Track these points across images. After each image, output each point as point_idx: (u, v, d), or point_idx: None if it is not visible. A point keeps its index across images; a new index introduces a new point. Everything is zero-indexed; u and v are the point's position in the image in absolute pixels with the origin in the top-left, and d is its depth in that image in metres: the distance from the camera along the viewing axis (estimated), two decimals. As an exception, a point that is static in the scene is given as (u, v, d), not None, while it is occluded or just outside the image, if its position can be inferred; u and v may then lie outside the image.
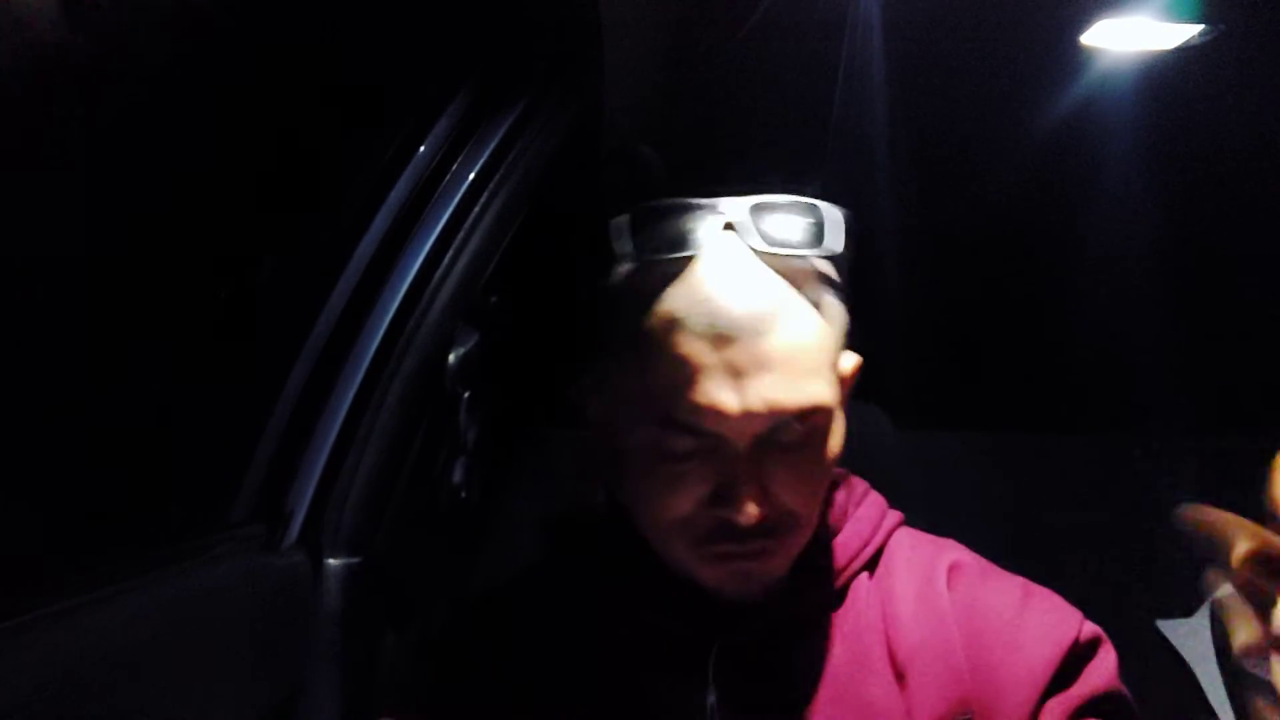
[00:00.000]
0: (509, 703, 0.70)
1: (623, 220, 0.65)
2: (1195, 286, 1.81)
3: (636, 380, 0.64)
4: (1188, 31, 1.26)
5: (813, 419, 0.64)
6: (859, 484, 0.79)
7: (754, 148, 1.59)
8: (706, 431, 0.62)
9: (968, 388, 1.89)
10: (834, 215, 0.66)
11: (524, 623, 0.75)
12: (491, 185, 0.99)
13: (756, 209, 0.64)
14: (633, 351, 0.64)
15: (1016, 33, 1.31)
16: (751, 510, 0.62)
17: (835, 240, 0.66)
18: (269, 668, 0.81)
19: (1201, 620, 1.70)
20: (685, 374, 0.62)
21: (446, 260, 0.96)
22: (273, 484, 0.90)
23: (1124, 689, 0.71)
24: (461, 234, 0.97)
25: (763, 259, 0.64)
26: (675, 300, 0.63)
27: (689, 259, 0.63)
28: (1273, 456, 0.44)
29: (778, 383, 0.62)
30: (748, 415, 0.61)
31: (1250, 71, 1.37)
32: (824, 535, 0.74)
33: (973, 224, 1.82)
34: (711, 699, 0.68)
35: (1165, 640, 1.70)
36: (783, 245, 0.64)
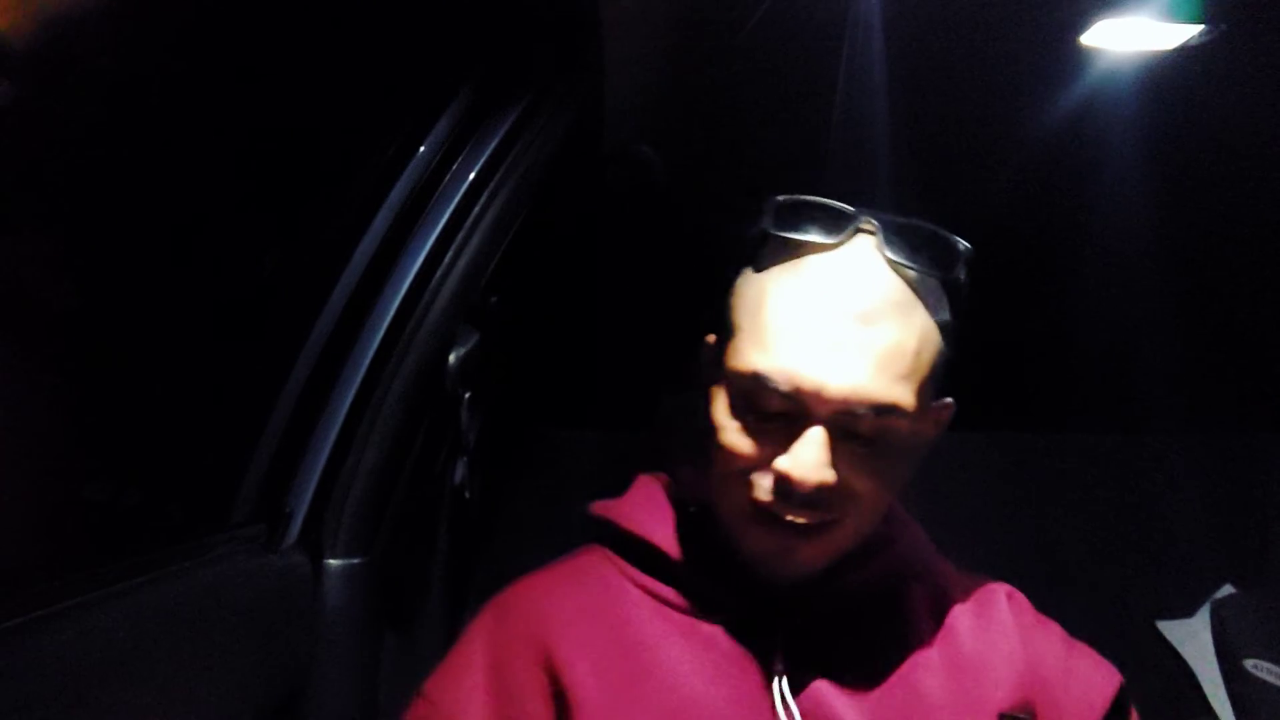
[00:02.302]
0: (585, 676, 0.72)
1: (775, 202, 0.73)
2: (1195, 286, 1.81)
3: (752, 338, 0.71)
4: (1188, 31, 1.26)
5: (890, 419, 0.69)
6: (907, 514, 0.85)
7: (754, 147, 1.59)
8: (791, 394, 0.68)
9: (968, 388, 1.89)
10: (959, 247, 0.74)
11: (584, 598, 0.77)
12: (491, 185, 0.99)
13: (893, 222, 0.72)
14: (752, 312, 0.71)
15: (1016, 32, 1.31)
16: (812, 472, 0.67)
17: (957, 267, 0.73)
18: (269, 667, 0.81)
19: (1201, 620, 1.69)
20: (789, 338, 0.69)
21: (446, 260, 0.96)
22: (273, 484, 0.90)
23: None
24: (461, 234, 0.97)
25: (891, 267, 0.71)
26: (805, 275, 0.70)
27: (827, 246, 0.71)
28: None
29: (866, 372, 0.67)
30: (828, 389, 0.67)
31: (1250, 71, 1.37)
32: (882, 539, 0.79)
33: (972, 224, 1.81)
34: (781, 679, 0.72)
35: (1165, 640, 1.69)
36: (911, 260, 0.71)
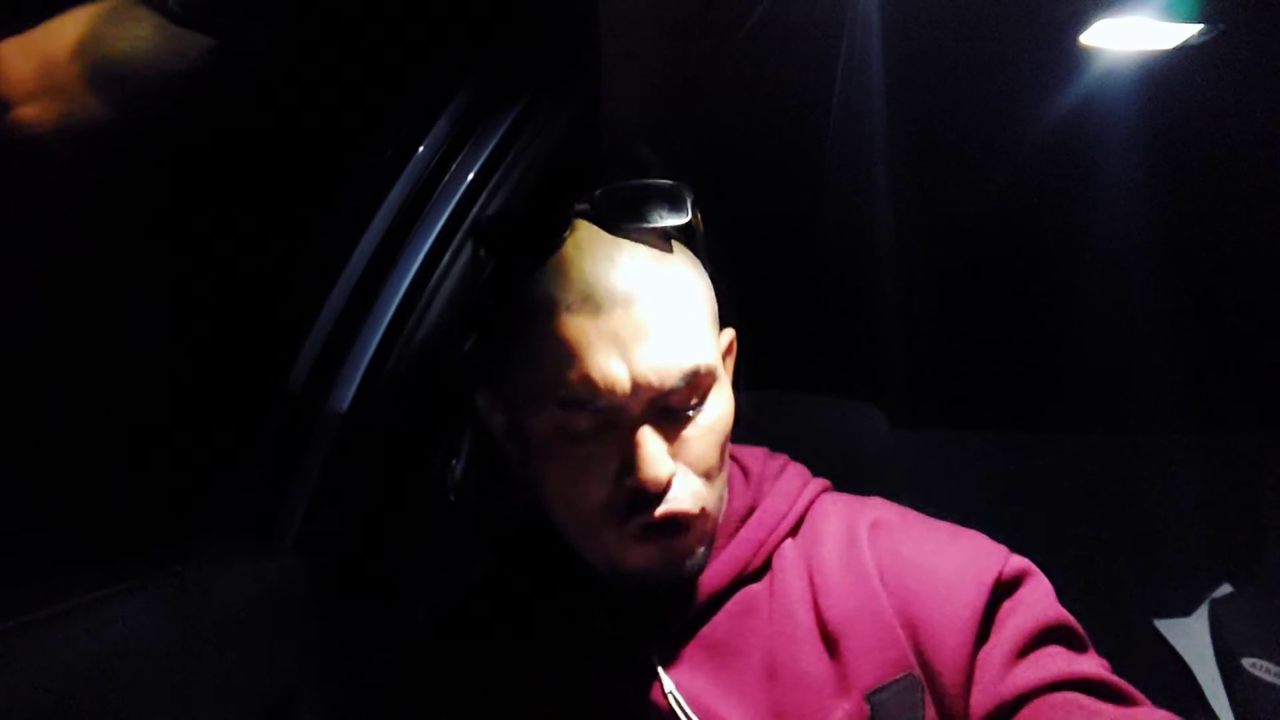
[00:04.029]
0: (476, 713, 0.71)
1: (483, 227, 0.71)
2: (1194, 285, 1.81)
3: (529, 372, 0.67)
4: (1188, 31, 1.26)
5: (699, 382, 0.67)
6: (779, 457, 0.81)
7: (754, 147, 1.59)
8: (601, 405, 0.65)
9: (965, 387, 1.89)
10: (676, 191, 0.70)
11: (476, 635, 0.76)
12: (491, 185, 0.99)
13: (604, 194, 0.69)
14: (520, 345, 0.68)
15: (1016, 32, 1.31)
16: (657, 471, 0.64)
17: (683, 214, 0.69)
18: (266, 668, 0.81)
19: (1201, 620, 1.70)
20: (571, 353, 0.65)
21: (446, 260, 0.96)
22: (271, 485, 0.90)
23: (1066, 616, 0.69)
24: (461, 234, 0.97)
25: (621, 235, 0.68)
26: (549, 286, 0.67)
27: (553, 248, 0.68)
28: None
29: (659, 347, 0.65)
30: (636, 382, 0.64)
31: (1250, 71, 1.37)
32: (740, 509, 0.75)
33: (972, 223, 1.82)
34: (670, 687, 0.69)
35: (1164, 640, 1.70)
36: (635, 221, 0.68)
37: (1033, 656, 0.67)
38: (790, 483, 0.78)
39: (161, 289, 0.82)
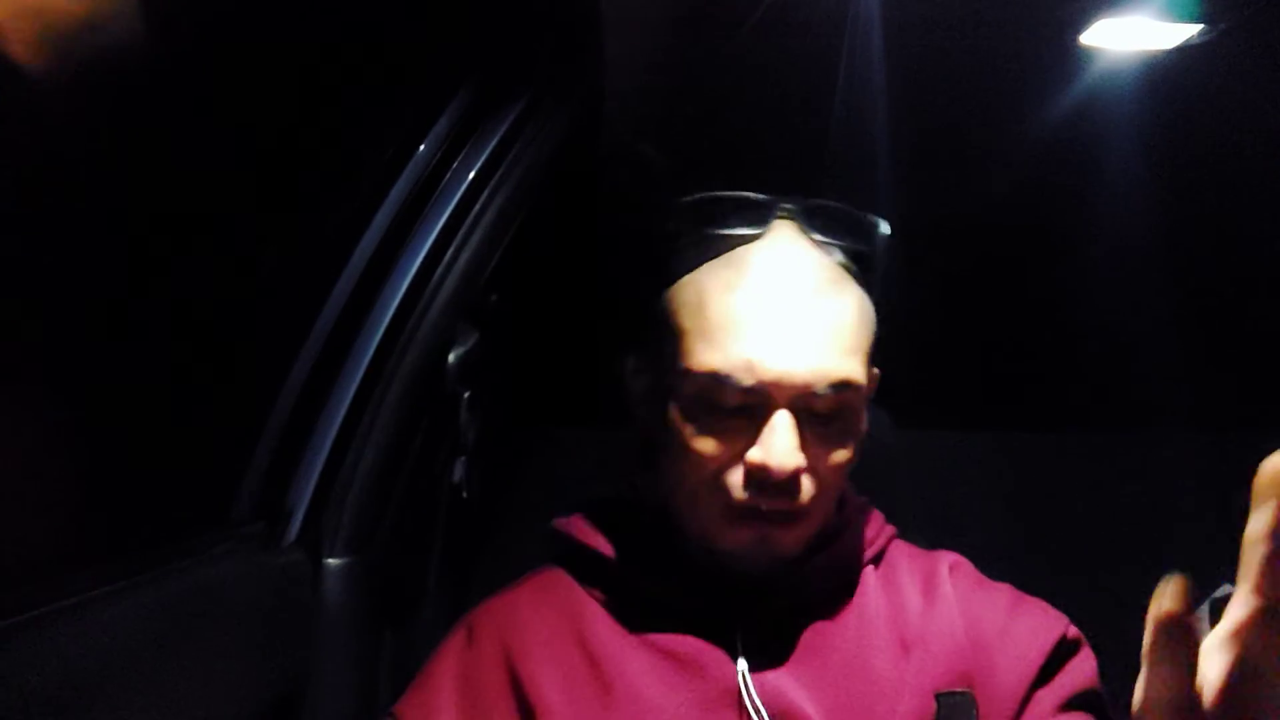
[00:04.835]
0: (552, 687, 0.73)
1: (692, 200, 0.74)
2: (1195, 285, 1.81)
3: (697, 338, 0.71)
4: (1188, 31, 1.26)
5: (845, 395, 0.70)
6: (861, 497, 0.85)
7: (753, 147, 1.59)
8: (751, 386, 0.68)
9: (969, 386, 1.89)
10: (876, 222, 0.75)
11: (551, 611, 0.78)
12: (491, 185, 0.99)
13: (812, 205, 0.73)
14: (693, 313, 0.71)
15: (1016, 32, 1.31)
16: (785, 460, 0.68)
17: (875, 242, 0.74)
18: (268, 667, 0.81)
19: (1201, 621, 1.69)
20: (739, 332, 0.69)
21: (446, 260, 0.96)
22: (273, 483, 0.90)
23: (1102, 691, 0.75)
24: (461, 234, 0.97)
25: (816, 247, 0.72)
26: (739, 267, 0.71)
27: (753, 236, 0.72)
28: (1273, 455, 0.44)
29: (821, 350, 0.69)
30: (789, 373, 0.68)
31: (1250, 71, 1.37)
32: (836, 528, 0.79)
33: (973, 223, 1.81)
34: (743, 666, 0.72)
35: (1165, 640, 1.69)
36: (832, 237, 0.73)
37: (1072, 715, 0.73)
38: (876, 517, 0.84)
39: (162, 287, 0.82)
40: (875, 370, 0.77)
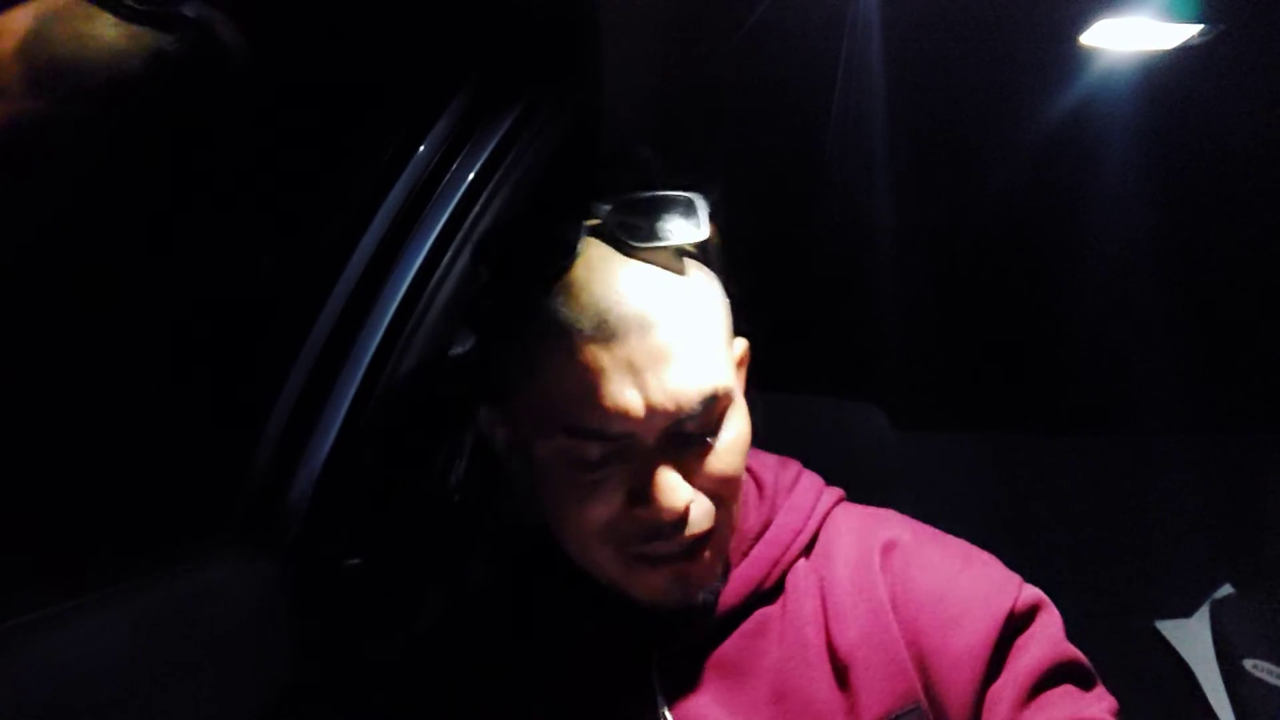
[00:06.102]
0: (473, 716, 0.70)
1: (486, 244, 0.68)
2: (1194, 286, 1.81)
3: (536, 396, 0.64)
4: (1188, 31, 1.26)
5: (716, 405, 0.64)
6: (792, 466, 0.79)
7: (754, 147, 1.59)
8: (614, 434, 0.62)
9: (967, 388, 1.89)
10: (694, 203, 0.66)
11: (476, 644, 0.75)
12: (491, 185, 0.99)
13: (617, 209, 0.65)
14: (527, 366, 0.64)
15: (1016, 32, 1.31)
16: (674, 503, 0.62)
17: (699, 228, 0.65)
18: (266, 668, 0.81)
19: (1201, 620, 1.70)
20: (584, 380, 0.61)
21: (446, 260, 0.96)
22: (272, 484, 0.90)
23: (1075, 653, 0.69)
24: (461, 234, 0.97)
25: (634, 255, 0.64)
26: (558, 308, 0.63)
27: (564, 267, 0.63)
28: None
29: (676, 373, 0.62)
30: (652, 410, 0.61)
31: (1250, 71, 1.37)
32: (754, 526, 0.73)
33: (972, 224, 1.82)
34: (664, 709, 0.68)
35: (1165, 640, 1.70)
36: (649, 239, 0.64)
37: (1042, 699, 0.66)
38: (804, 497, 0.76)
39: (162, 287, 0.82)
40: (740, 343, 0.72)
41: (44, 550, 0.69)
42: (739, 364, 0.71)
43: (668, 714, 0.68)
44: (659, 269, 0.64)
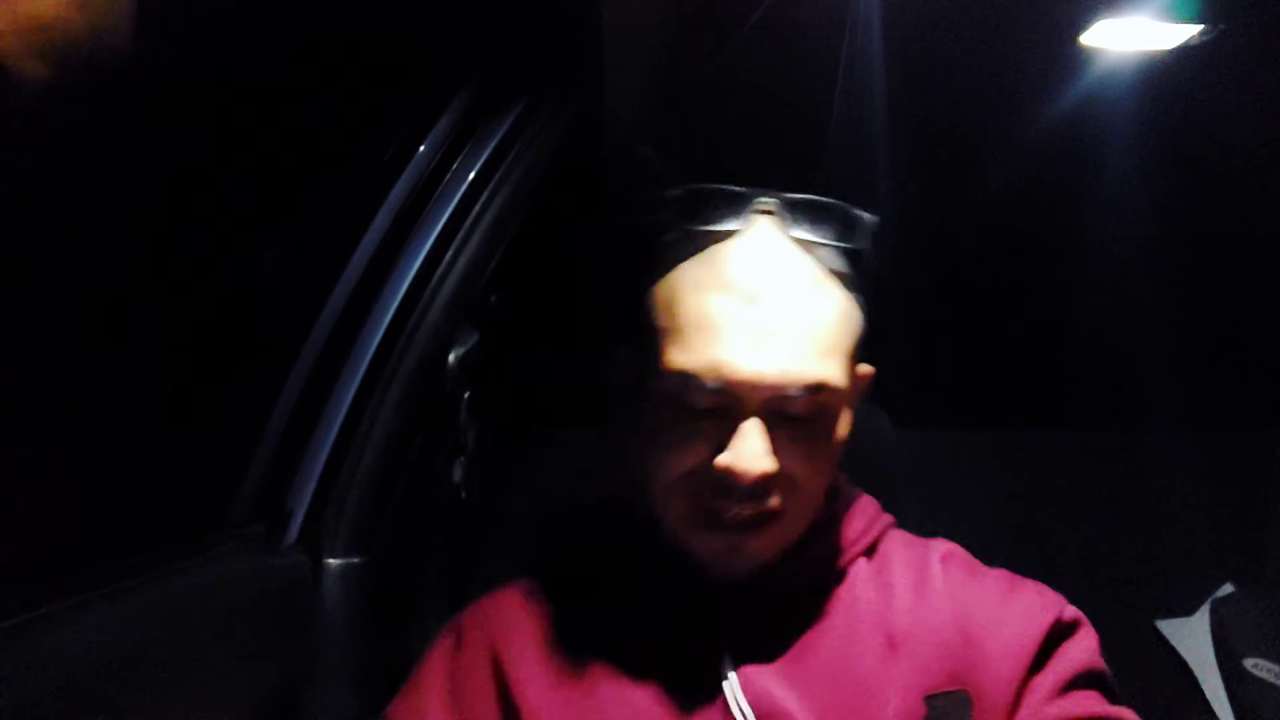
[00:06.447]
0: (538, 688, 0.73)
1: (673, 194, 0.72)
2: (1195, 285, 1.81)
3: (667, 337, 0.70)
4: (1188, 31, 1.27)
5: (822, 397, 0.69)
6: (854, 487, 0.84)
7: (754, 147, 1.59)
8: (722, 388, 0.67)
9: (968, 387, 1.89)
10: (863, 218, 0.73)
11: (538, 614, 0.78)
12: (491, 185, 0.99)
13: (794, 201, 0.71)
14: (667, 311, 0.70)
15: (1016, 32, 1.31)
16: (752, 465, 0.66)
17: (862, 238, 0.72)
18: (268, 668, 0.81)
19: (1201, 620, 1.69)
20: (711, 331, 0.67)
21: (446, 260, 0.96)
22: (273, 484, 0.90)
23: (1105, 668, 0.74)
24: (461, 234, 0.97)
25: (796, 245, 0.71)
26: (714, 265, 0.69)
27: (731, 233, 0.70)
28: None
29: (794, 352, 0.67)
30: (759, 376, 0.66)
31: (1250, 71, 1.37)
32: (826, 520, 0.78)
33: (973, 223, 1.82)
34: (728, 668, 0.71)
35: (1165, 640, 1.70)
36: (814, 234, 0.71)
37: (1074, 695, 0.71)
38: (868, 508, 0.82)
39: (163, 288, 0.82)
40: (866, 368, 0.76)
41: (49, 549, 0.70)
42: (857, 382, 0.75)
43: (733, 674, 0.71)
44: (809, 260, 0.71)
